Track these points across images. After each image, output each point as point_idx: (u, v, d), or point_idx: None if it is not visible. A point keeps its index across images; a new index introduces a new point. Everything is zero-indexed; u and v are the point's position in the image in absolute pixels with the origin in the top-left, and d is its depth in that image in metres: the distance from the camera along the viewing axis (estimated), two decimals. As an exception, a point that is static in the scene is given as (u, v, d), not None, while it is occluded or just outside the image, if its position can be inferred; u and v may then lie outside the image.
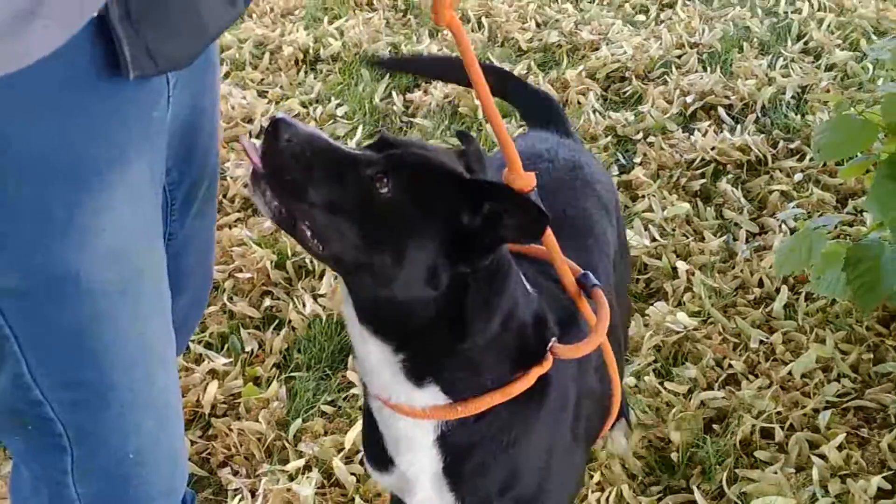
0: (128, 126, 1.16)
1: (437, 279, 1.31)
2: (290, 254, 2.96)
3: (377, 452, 1.57)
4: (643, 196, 3.29)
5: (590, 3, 4.73)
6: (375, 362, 1.39)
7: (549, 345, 1.45)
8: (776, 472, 2.31)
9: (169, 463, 1.42)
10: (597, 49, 4.29)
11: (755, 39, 4.35)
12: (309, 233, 1.29)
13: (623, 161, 3.55)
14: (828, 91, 3.92)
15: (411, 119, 3.81)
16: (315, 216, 1.28)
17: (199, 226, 1.54)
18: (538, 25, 4.55)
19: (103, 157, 1.14)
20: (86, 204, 1.15)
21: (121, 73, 1.09)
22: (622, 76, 4.08)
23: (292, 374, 2.60)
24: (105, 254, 1.19)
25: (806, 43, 4.33)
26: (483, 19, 4.54)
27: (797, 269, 2.48)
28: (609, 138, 3.64)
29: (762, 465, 2.37)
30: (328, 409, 2.50)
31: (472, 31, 4.46)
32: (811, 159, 3.52)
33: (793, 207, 3.26)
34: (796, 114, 3.79)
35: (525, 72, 4.09)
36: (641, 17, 4.63)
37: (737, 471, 2.33)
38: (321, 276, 2.89)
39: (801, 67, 4.12)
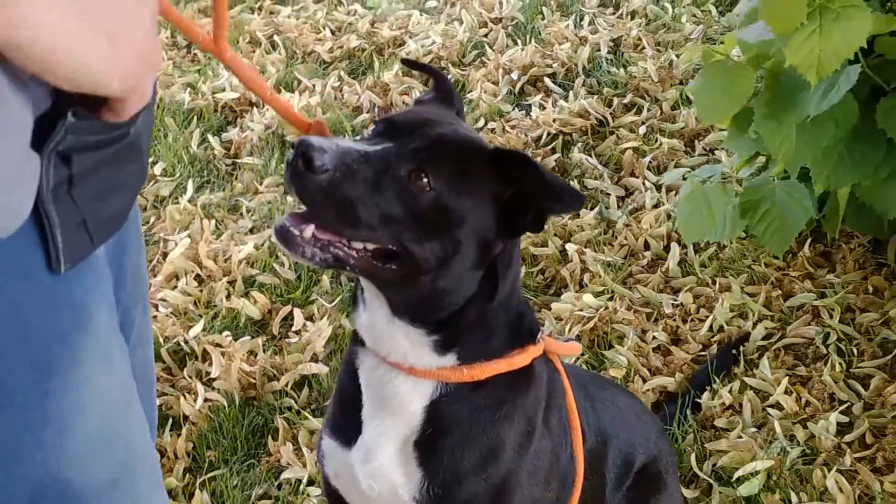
0: (82, 276, 0.94)
1: (488, 255, 1.32)
2: (161, 341, 2.64)
3: (343, 420, 1.49)
4: (506, 185, 3.17)
5: (376, -2, 4.55)
6: (399, 339, 1.36)
7: (542, 331, 1.48)
8: (741, 437, 2.26)
9: None
10: (402, 45, 4.13)
11: (553, 3, 4.32)
12: (367, 257, 1.25)
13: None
14: (639, 39, 3.94)
15: (235, 160, 3.52)
16: (374, 234, 1.23)
17: (140, 355, 1.28)
18: (333, 33, 4.34)
19: (68, 324, 0.94)
20: (58, 387, 0.94)
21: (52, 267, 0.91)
22: (439, 67, 3.94)
23: (210, 474, 2.32)
24: (92, 439, 1.00)
25: (601, -4, 4.35)
26: (275, 37, 4.28)
27: (706, 232, 2.40)
28: (448, 133, 3.49)
29: (723, 433, 2.31)
30: (265, 503, 2.24)
31: (267, 52, 4.20)
32: (648, 110, 3.52)
33: (648, 162, 3.25)
34: (618, 68, 3.78)
35: (338, 83, 3.89)
36: (433, 3, 4.50)
37: (705, 446, 2.27)
38: (205, 358, 2.60)
39: (605, 21, 4.12)
